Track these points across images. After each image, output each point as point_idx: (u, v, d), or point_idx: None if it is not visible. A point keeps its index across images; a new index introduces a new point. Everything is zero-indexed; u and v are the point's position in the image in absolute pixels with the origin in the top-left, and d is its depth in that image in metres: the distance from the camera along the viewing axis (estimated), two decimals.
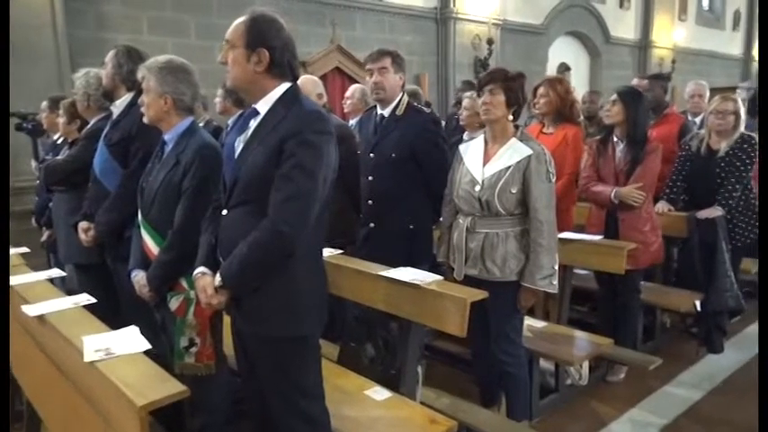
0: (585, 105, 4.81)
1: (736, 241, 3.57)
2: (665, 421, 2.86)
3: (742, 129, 3.55)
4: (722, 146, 3.55)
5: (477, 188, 2.37)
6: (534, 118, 3.79)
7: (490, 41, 9.09)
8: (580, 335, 2.84)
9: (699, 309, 3.33)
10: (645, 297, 3.34)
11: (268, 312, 1.70)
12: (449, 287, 2.13)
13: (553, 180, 2.35)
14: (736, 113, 3.51)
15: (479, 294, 2.06)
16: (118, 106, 2.66)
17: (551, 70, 11.33)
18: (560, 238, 2.84)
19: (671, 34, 13.24)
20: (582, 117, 4.85)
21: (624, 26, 12.52)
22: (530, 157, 2.30)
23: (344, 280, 2.46)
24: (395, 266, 2.36)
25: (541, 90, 3.51)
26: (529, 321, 2.91)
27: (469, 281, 2.39)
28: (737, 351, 3.57)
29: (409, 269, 2.31)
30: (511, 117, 2.38)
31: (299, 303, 1.73)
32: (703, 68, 14.68)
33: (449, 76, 8.97)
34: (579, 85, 10.55)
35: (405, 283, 2.18)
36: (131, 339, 1.61)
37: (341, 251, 2.70)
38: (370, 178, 2.82)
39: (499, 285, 2.35)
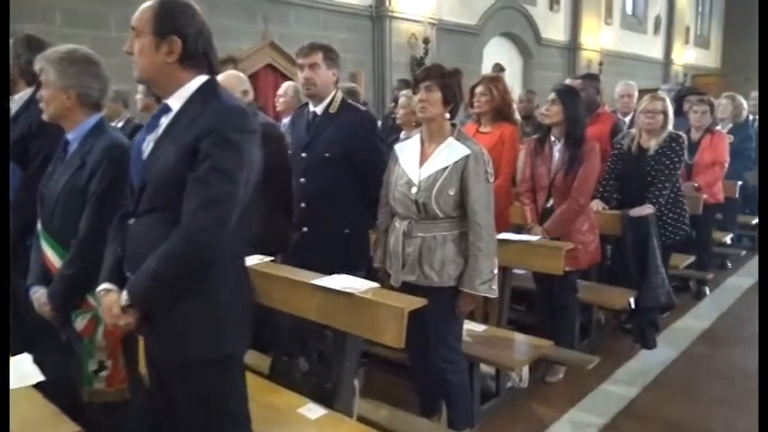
0: (522, 105, 4.83)
1: (666, 238, 3.65)
2: (604, 420, 2.86)
3: (670, 128, 3.62)
4: (652, 144, 3.61)
5: (414, 190, 2.26)
6: (470, 117, 3.73)
7: (426, 41, 9.08)
8: (520, 338, 2.79)
9: (633, 306, 3.37)
10: (581, 295, 3.34)
11: (185, 332, 1.52)
12: (385, 295, 2.01)
13: (491, 181, 2.28)
14: (665, 113, 3.58)
15: (417, 302, 1.96)
16: (16, 101, 2.39)
17: (486, 71, 11.40)
18: (499, 240, 2.79)
19: (598, 37, 13.72)
20: (519, 116, 4.88)
21: (554, 28, 12.86)
22: (468, 157, 2.22)
23: (275, 289, 2.29)
24: (329, 273, 2.22)
25: (481, 89, 3.46)
26: (468, 325, 2.84)
27: (407, 287, 2.28)
28: (668, 346, 3.64)
29: (344, 276, 2.18)
30: (448, 115, 2.29)
31: (221, 318, 1.56)
32: (628, 71, 15.28)
33: (385, 74, 8.89)
34: (513, 86, 10.70)
35: (338, 291, 2.05)
36: (21, 370, 1.40)
37: (271, 258, 2.53)
38: (302, 180, 2.66)
39: (437, 291, 2.25)
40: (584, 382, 3.18)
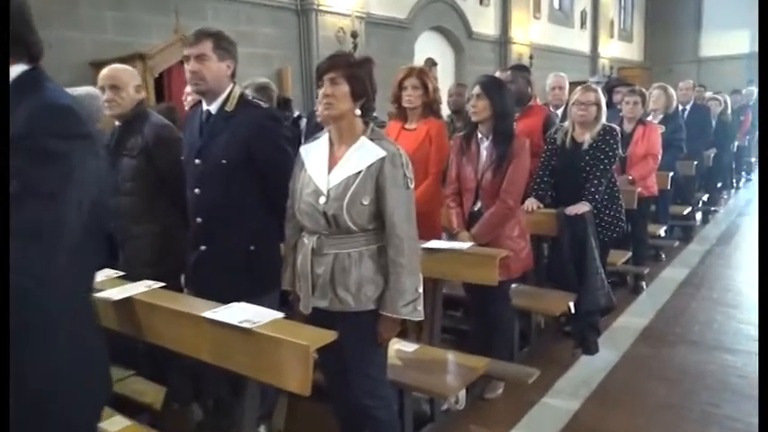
0: (452, 98, 4.57)
1: (603, 236, 3.49)
2: None
3: (603, 120, 3.45)
4: (586, 138, 3.43)
5: (322, 200, 1.93)
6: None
7: (354, 35, 8.76)
8: (455, 358, 2.51)
9: (573, 310, 3.17)
10: (519, 302, 3.12)
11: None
12: (287, 329, 1.67)
13: (411, 186, 1.97)
14: (598, 104, 3.40)
15: (326, 337, 1.63)
16: None
17: (418, 64, 11.25)
18: (427, 249, 2.51)
19: (527, 31, 13.80)
20: (449, 111, 4.63)
21: (485, 22, 12.82)
22: (383, 159, 1.91)
23: (161, 324, 1.92)
24: (233, 299, 1.87)
25: (414, 82, 3.14)
26: (398, 345, 2.55)
27: (319, 314, 1.95)
28: (609, 349, 3.47)
29: (243, 306, 1.83)
30: (358, 111, 1.96)
31: (62, 393, 1.19)
32: (557, 64, 15.43)
33: (313, 70, 8.47)
34: (445, 81, 10.54)
35: (233, 326, 1.69)
36: None
37: (162, 284, 2.14)
38: (197, 191, 2.28)
39: (354, 317, 1.93)
40: (526, 396, 2.95)
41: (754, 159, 10.86)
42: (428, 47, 11.34)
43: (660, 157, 4.49)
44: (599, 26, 17.85)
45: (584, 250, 3.20)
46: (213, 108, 2.27)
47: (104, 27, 6.19)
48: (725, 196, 8.23)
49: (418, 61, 11.25)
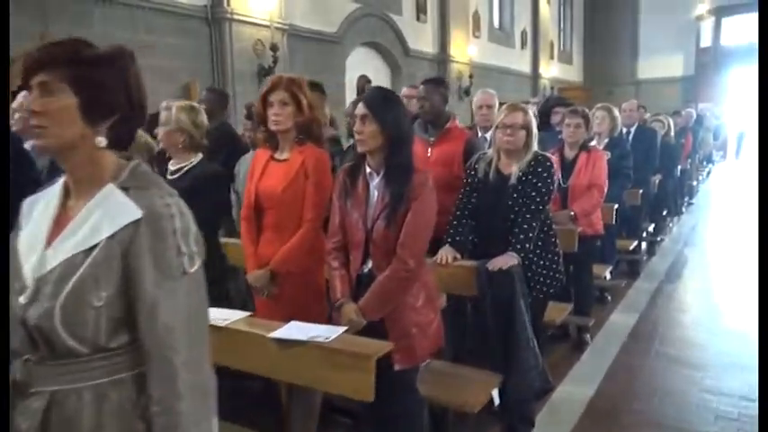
0: (348, 119, 3.76)
1: (537, 292, 2.75)
2: None
3: (535, 147, 2.74)
4: (513, 170, 2.70)
5: (23, 300, 1.08)
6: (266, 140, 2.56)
7: (274, 48, 7.93)
8: None
9: (497, 400, 2.39)
10: (428, 390, 2.31)
11: None
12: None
13: (194, 268, 1.13)
14: (527, 128, 2.69)
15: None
16: None
17: (351, 82, 10.56)
18: (276, 339, 1.67)
19: (467, 49, 13.33)
20: (347, 136, 3.84)
21: (422, 39, 12.26)
22: (138, 224, 1.07)
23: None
24: None
25: (280, 96, 2.30)
26: None
27: None
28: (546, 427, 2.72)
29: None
30: (102, 140, 1.12)
31: None
32: (498, 84, 15.10)
33: (227, 85, 7.60)
34: None
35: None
36: None
37: None
38: None
39: None
40: None
41: (696, 182, 10.62)
42: (361, 63, 10.65)
43: (606, 188, 3.83)
44: (539, 47, 17.70)
45: (512, 316, 2.45)
46: None
47: None
48: (670, 224, 7.78)
49: (350, 79, 10.55)
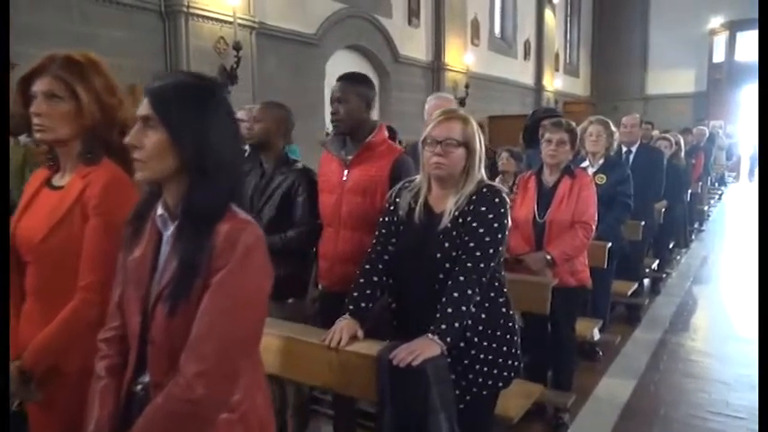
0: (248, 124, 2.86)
1: (479, 387, 1.85)
2: None
3: (480, 173, 1.86)
4: (448, 205, 1.83)
5: None
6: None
7: (238, 46, 7.10)
8: None
9: None
10: None
11: None
12: None
13: None
14: (468, 145, 1.81)
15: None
16: None
17: (329, 88, 9.72)
18: None
19: (464, 58, 12.50)
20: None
21: (414, 45, 11.43)
22: None
23: None
24: None
25: (45, 85, 1.42)
26: None
27: None
28: None
29: None
30: None
31: None
32: (498, 95, 14.32)
33: None
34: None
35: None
36: None
37: None
38: None
39: None
40: None
41: (707, 207, 9.69)
42: (344, 68, 9.68)
43: (596, 225, 2.95)
44: (544, 58, 16.86)
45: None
46: None
47: None
48: (677, 257, 6.85)
49: (330, 84, 9.69)
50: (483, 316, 1.82)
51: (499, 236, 1.78)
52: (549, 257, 2.81)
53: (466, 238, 1.76)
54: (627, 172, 3.66)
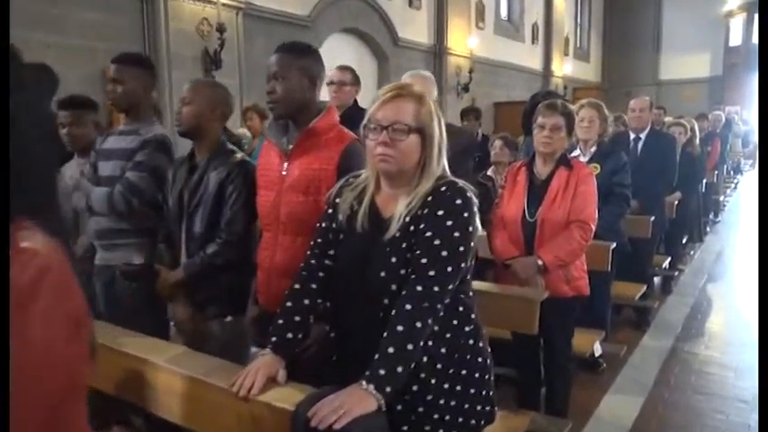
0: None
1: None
2: None
3: (442, 167, 1.45)
4: (399, 209, 1.42)
5: None
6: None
7: (222, 28, 6.69)
8: None
9: None
10: None
11: None
12: None
13: None
14: (423, 131, 1.40)
15: None
16: None
17: (327, 72, 9.29)
18: None
19: (467, 41, 11.99)
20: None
21: (415, 28, 10.94)
22: None
23: None
24: None
25: None
26: None
27: None
28: None
29: None
30: None
31: None
32: (504, 81, 13.81)
33: (163, 72, 6.37)
34: (366, 94, 8.63)
35: None
36: None
37: None
38: None
39: None
40: None
41: (723, 197, 9.19)
42: (340, 52, 9.33)
43: (595, 225, 2.53)
44: (552, 42, 16.25)
45: None
46: None
47: None
48: (690, 252, 6.39)
49: (328, 69, 9.27)
50: (443, 351, 1.42)
51: (461, 249, 1.37)
52: (540, 263, 2.40)
53: (417, 252, 1.36)
54: (623, 159, 3.21)
